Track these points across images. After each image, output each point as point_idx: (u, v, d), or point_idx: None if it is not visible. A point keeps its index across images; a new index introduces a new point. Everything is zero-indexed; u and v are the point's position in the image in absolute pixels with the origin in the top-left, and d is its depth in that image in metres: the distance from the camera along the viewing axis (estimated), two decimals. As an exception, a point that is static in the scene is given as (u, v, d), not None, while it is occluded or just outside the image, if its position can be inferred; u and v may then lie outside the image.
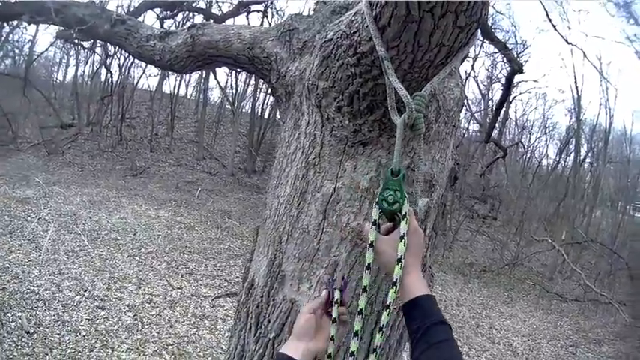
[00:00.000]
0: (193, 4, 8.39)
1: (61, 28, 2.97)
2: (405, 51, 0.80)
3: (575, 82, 17.80)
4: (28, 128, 11.36)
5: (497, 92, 15.34)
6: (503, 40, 6.72)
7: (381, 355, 1.10)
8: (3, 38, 11.24)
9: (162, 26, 6.81)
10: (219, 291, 4.91)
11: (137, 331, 3.64)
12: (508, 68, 6.57)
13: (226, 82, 16.42)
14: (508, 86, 5.82)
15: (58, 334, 3.32)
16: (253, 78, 12.61)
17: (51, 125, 11.66)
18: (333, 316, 0.86)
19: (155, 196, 8.80)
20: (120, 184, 9.27)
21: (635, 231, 12.84)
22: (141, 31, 1.86)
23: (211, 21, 5.27)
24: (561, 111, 37.65)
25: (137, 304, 4.11)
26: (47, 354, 3.04)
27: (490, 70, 15.59)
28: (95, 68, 13.85)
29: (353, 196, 1.03)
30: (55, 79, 16.90)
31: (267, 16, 10.41)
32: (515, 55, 9.86)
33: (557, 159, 16.45)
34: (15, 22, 7.77)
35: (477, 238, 12.21)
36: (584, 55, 9.77)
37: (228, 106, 15.47)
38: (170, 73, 11.81)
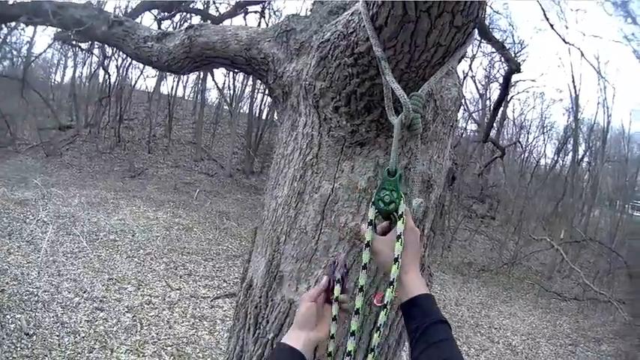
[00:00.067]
0: (191, 5, 8.38)
1: (59, 29, 2.96)
2: (402, 51, 0.81)
3: (573, 82, 17.75)
4: (26, 130, 11.33)
5: (494, 92, 15.32)
6: (500, 40, 6.74)
7: (379, 355, 1.10)
8: (1, 40, 11.22)
9: (159, 27, 6.81)
10: (218, 292, 4.91)
11: (136, 332, 3.63)
12: (506, 68, 6.58)
13: (224, 83, 16.42)
14: (506, 86, 5.83)
15: (57, 335, 3.31)
16: (251, 79, 12.59)
17: (49, 127, 11.64)
18: (333, 314, 0.85)
19: (153, 197, 8.79)
20: (118, 185, 9.25)
21: (633, 229, 12.85)
22: (138, 33, 1.85)
23: (209, 22, 5.28)
24: (559, 110, 37.59)
25: (136, 305, 4.10)
26: (46, 356, 3.04)
27: (488, 69, 15.60)
28: (93, 70, 13.86)
29: (351, 197, 1.03)
30: (52, 80, 16.85)
31: (264, 17, 10.39)
32: (513, 55, 9.91)
33: (556, 158, 16.52)
34: (13, 24, 7.77)
35: (476, 238, 12.21)
36: (582, 55, 9.87)
37: (225, 107, 15.45)
38: (168, 74, 11.80)
